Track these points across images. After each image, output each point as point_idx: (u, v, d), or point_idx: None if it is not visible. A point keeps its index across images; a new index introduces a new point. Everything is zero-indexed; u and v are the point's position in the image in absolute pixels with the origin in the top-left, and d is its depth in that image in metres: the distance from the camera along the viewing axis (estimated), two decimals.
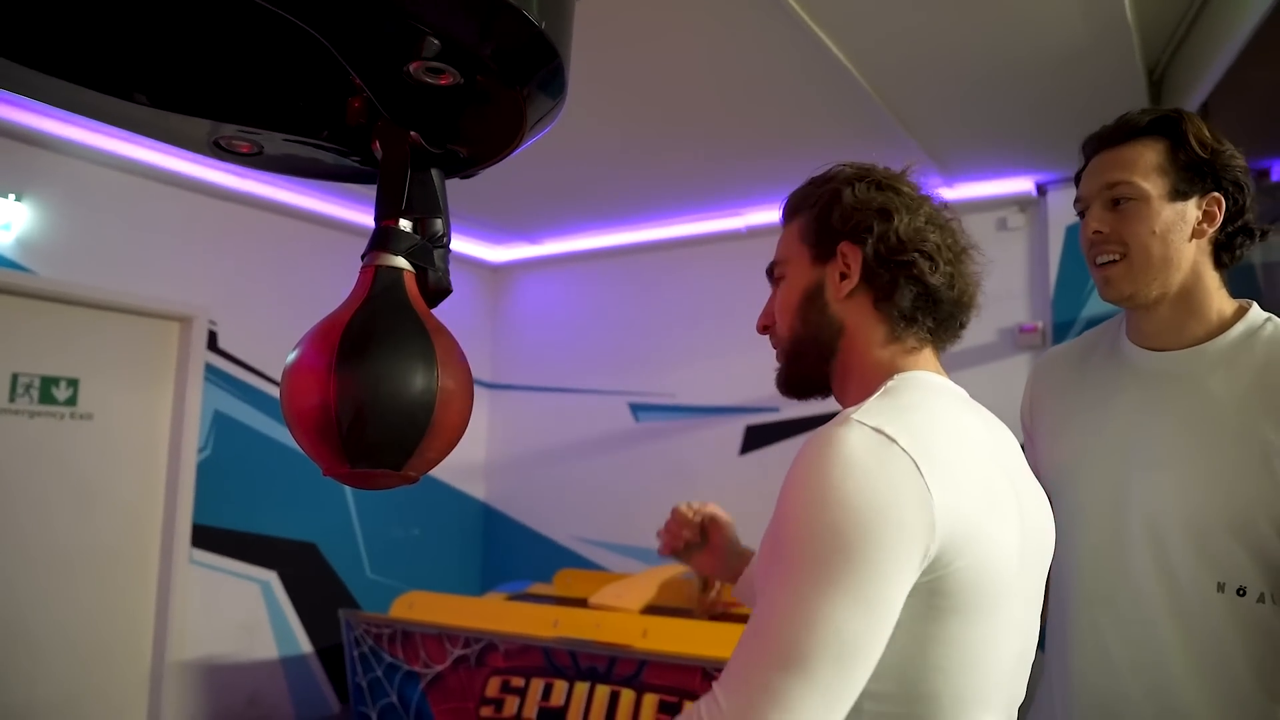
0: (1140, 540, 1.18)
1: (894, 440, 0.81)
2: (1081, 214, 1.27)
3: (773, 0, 2.60)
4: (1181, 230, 1.18)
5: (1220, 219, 1.19)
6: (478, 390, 5.53)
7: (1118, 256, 1.20)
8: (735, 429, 4.90)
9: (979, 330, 4.22)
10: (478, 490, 5.66)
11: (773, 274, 1.08)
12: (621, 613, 3.25)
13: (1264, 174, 3.38)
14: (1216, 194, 1.19)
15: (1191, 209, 1.19)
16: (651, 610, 3.39)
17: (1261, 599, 1.11)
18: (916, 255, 0.96)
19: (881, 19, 2.77)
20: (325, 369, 0.80)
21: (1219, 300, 1.21)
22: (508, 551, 5.54)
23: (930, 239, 0.97)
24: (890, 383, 0.93)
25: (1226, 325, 1.19)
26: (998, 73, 3.16)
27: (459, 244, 5.55)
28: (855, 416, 0.84)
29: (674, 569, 3.89)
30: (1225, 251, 1.22)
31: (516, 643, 3.07)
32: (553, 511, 5.40)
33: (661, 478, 5.04)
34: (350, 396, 0.79)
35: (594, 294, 5.53)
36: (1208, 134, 1.20)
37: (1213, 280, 1.21)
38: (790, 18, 2.70)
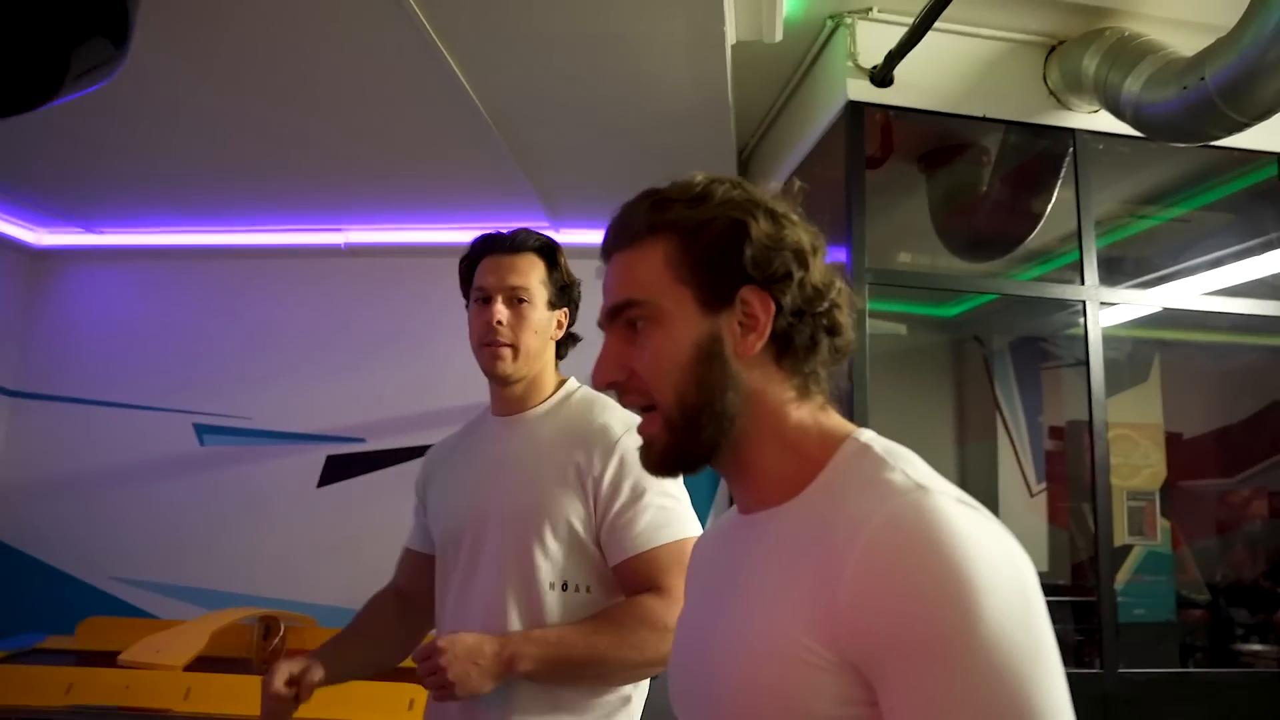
0: (501, 551, 1.47)
1: (980, 510, 0.74)
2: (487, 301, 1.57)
3: (409, 20, 2.46)
4: (549, 332, 1.58)
5: (566, 326, 1.63)
6: None
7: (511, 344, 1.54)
8: (315, 459, 4.54)
9: (574, 372, 4.34)
10: None
11: (620, 314, 0.87)
12: (159, 670, 2.79)
13: None
14: (567, 309, 1.62)
15: (555, 317, 1.60)
16: (200, 665, 2.95)
17: (577, 589, 1.46)
18: (831, 306, 0.85)
19: (513, 55, 2.75)
20: None
21: (554, 378, 1.62)
22: (19, 598, 4.53)
23: (837, 283, 0.86)
24: (877, 448, 0.80)
25: (553, 393, 1.60)
26: (612, 127, 3.30)
27: None
28: (930, 485, 0.73)
29: (231, 614, 3.45)
30: (562, 347, 1.64)
31: (9, 715, 2.49)
32: (87, 548, 4.55)
33: (228, 508, 4.50)
34: None
35: (162, 296, 4.82)
36: (567, 265, 1.62)
37: (552, 364, 1.62)
38: (424, 39, 2.58)
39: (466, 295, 1.62)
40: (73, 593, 4.49)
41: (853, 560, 0.70)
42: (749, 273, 0.82)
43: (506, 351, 1.52)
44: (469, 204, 4.11)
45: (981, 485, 4.15)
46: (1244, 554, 3.82)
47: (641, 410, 0.87)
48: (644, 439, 0.87)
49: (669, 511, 1.49)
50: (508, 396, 1.59)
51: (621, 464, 1.47)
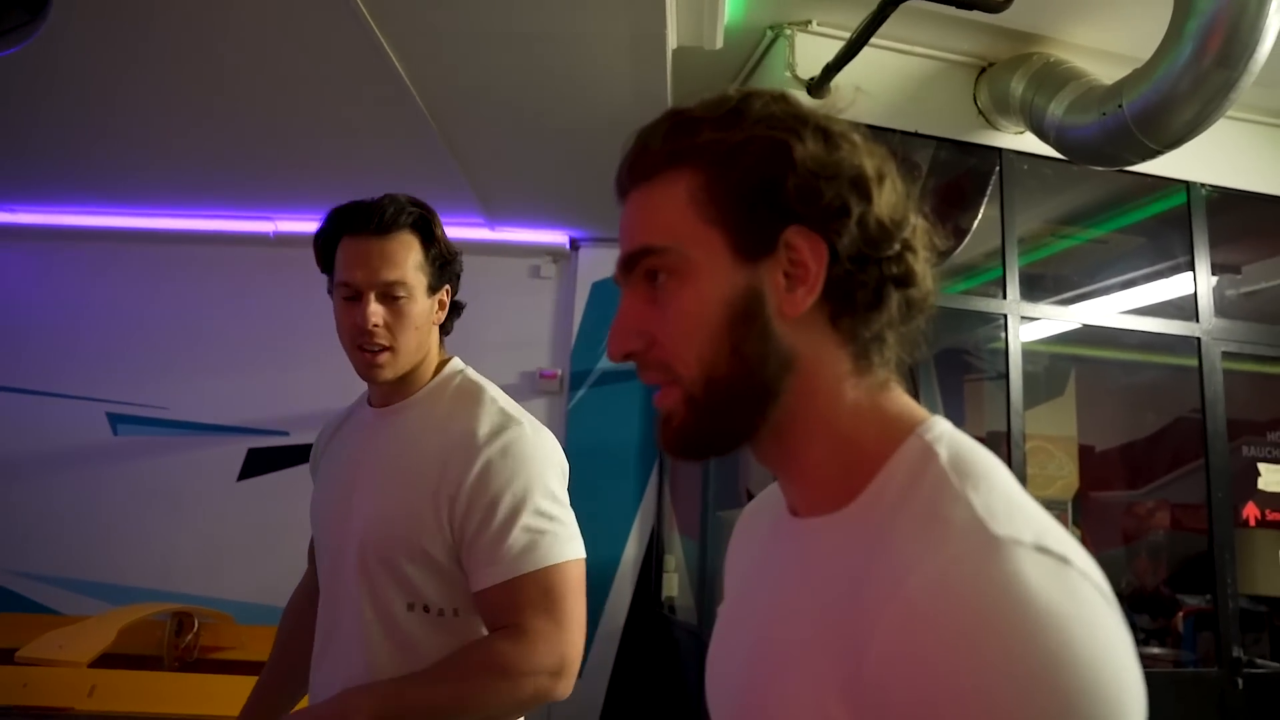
0: (354, 570, 1.30)
1: (1069, 562, 0.54)
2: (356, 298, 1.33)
3: (348, 7, 2.42)
4: (430, 321, 1.38)
5: (449, 303, 1.42)
6: None
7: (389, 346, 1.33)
8: (236, 451, 4.42)
9: (502, 370, 4.34)
10: None
11: (636, 265, 0.69)
12: (62, 667, 2.68)
13: None
14: (449, 285, 1.41)
15: (436, 301, 1.39)
16: (108, 661, 2.85)
17: (441, 613, 1.28)
18: (903, 249, 0.66)
19: (451, 47, 2.73)
20: None
21: (436, 360, 1.42)
22: None
23: (911, 218, 0.67)
24: (943, 455, 0.62)
25: (431, 376, 1.40)
26: (551, 128, 3.29)
27: None
28: (999, 531, 0.54)
29: (142, 609, 3.34)
30: (446, 323, 1.44)
31: None
32: None
33: (143, 501, 4.36)
34: None
35: (78, 280, 4.63)
36: (444, 234, 1.40)
37: (434, 348, 1.41)
38: (363, 28, 2.55)
39: (325, 270, 1.39)
40: None
41: (884, 624, 0.54)
42: (794, 208, 0.64)
43: (385, 357, 1.32)
44: None
45: None
46: (1146, 562, 3.98)
47: (662, 384, 0.69)
48: (662, 413, 0.69)
49: (537, 534, 1.26)
50: (384, 389, 1.40)
51: (482, 475, 1.26)
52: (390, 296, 1.31)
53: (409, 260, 1.32)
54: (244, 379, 4.46)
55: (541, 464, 1.30)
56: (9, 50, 0.80)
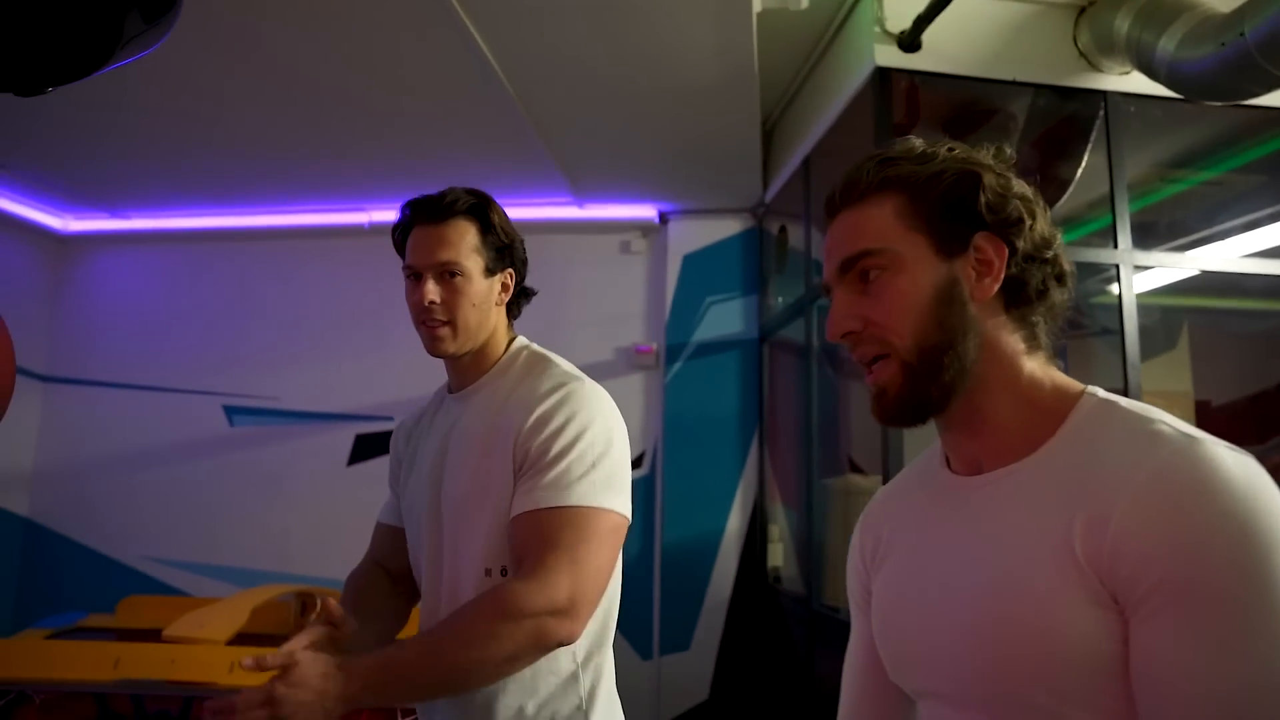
0: (454, 536, 1.41)
1: (1247, 454, 0.76)
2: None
3: None
4: (491, 300, 1.48)
5: (514, 286, 1.53)
6: (26, 384, 4.60)
7: (447, 321, 1.45)
8: (344, 437, 4.58)
9: (597, 347, 4.36)
10: (18, 503, 4.70)
11: (853, 266, 0.88)
12: (203, 644, 2.83)
13: None
14: (510, 269, 1.51)
15: (497, 282, 1.49)
16: (242, 640, 3.00)
17: (504, 572, 1.35)
18: (1057, 254, 0.88)
19: (536, 26, 2.75)
20: None
21: (505, 342, 1.53)
22: (57, 578, 4.63)
23: (1059, 238, 0.89)
24: (1124, 402, 0.83)
25: (500, 355, 1.52)
26: (635, 101, 3.28)
27: (9, 204, 4.59)
28: (1198, 435, 0.76)
29: (269, 590, 3.50)
30: (514, 306, 1.56)
31: (59, 689, 2.54)
32: (121, 528, 4.63)
33: (258, 489, 4.56)
34: None
35: (188, 280, 4.86)
36: (504, 221, 1.51)
37: (502, 329, 1.53)
38: (447, 10, 2.57)
39: (403, 257, 1.52)
40: (108, 573, 4.58)
41: (1124, 503, 0.73)
42: (984, 218, 0.85)
43: (444, 330, 1.44)
44: (493, 181, 4.07)
45: None
46: None
47: (872, 361, 0.87)
48: (876, 389, 0.87)
49: (576, 476, 1.31)
50: (458, 371, 1.52)
51: (537, 422, 1.35)
52: (447, 274, 1.43)
53: (463, 242, 1.44)
54: (348, 367, 4.60)
55: (595, 413, 1.38)
56: (128, 60, 0.82)
